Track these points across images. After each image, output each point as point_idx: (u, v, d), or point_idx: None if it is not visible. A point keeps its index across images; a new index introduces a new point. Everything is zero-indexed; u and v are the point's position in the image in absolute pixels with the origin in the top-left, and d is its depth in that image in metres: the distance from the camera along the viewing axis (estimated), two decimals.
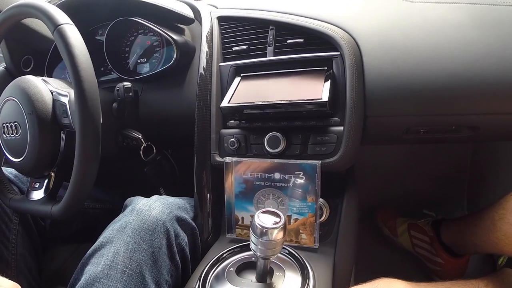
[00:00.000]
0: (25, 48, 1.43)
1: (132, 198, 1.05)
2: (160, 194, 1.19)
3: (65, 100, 1.03)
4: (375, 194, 1.87)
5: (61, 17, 0.94)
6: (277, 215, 0.76)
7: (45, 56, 1.46)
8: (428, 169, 1.97)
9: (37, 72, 1.42)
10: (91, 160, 0.94)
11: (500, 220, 1.19)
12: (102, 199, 1.54)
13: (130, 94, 1.15)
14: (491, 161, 1.84)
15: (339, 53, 1.02)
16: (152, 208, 0.97)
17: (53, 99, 1.06)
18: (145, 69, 1.32)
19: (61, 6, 1.22)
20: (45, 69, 1.46)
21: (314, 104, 0.95)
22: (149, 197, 1.05)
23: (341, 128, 0.99)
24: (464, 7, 1.04)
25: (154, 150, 1.25)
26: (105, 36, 1.30)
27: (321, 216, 1.04)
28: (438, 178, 1.98)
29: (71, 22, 0.96)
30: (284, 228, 0.74)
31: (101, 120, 0.95)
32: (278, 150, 1.02)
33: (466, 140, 1.39)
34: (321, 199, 1.03)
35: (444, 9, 1.05)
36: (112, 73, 1.34)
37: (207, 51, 1.18)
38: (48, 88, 1.08)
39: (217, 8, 1.34)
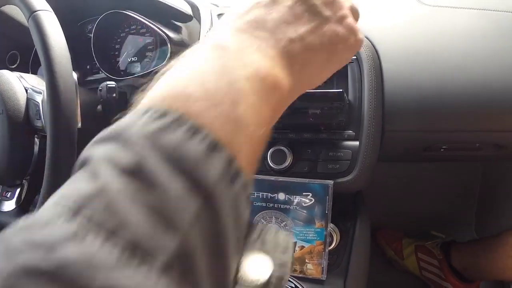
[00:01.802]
0: (11, 43, 1.32)
1: None
2: None
3: (38, 98, 0.91)
4: (378, 213, 1.76)
5: (38, 3, 0.83)
6: None
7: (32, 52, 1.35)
8: (435, 187, 1.89)
9: (23, 69, 1.31)
10: (63, 171, 0.81)
11: None
12: None
13: (114, 95, 1.04)
14: (502, 181, 1.77)
15: (355, 57, 0.92)
16: None
17: (27, 98, 0.94)
18: (137, 69, 1.20)
19: None
20: (30, 65, 1.34)
21: (327, 96, 0.84)
22: None
23: (357, 143, 0.89)
24: (488, 14, 0.98)
25: None
26: (93, 31, 1.18)
27: (330, 243, 0.92)
28: (445, 198, 1.90)
29: (49, 8, 0.84)
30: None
31: (79, 124, 0.83)
32: (283, 166, 0.90)
33: (489, 158, 1.31)
34: (331, 224, 0.91)
35: (468, 15, 0.98)
36: (101, 72, 1.21)
37: None
38: (23, 85, 0.96)
39: (217, 6, 1.22)
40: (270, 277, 0.33)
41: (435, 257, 1.55)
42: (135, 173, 0.26)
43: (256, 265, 0.34)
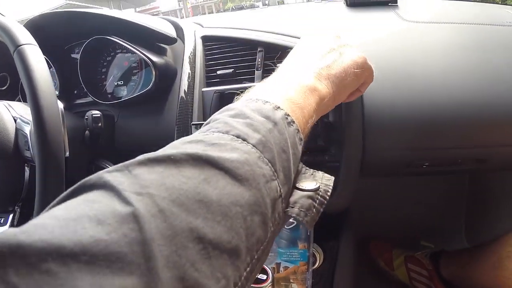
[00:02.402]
0: (0, 65, 1.32)
1: None
2: None
3: (27, 129, 0.92)
4: (368, 224, 1.77)
5: (23, 37, 0.84)
6: (263, 270, 0.66)
7: None
8: (424, 197, 1.90)
9: (13, 92, 1.33)
10: (53, 201, 0.82)
11: (507, 258, 1.16)
12: None
13: (100, 124, 1.05)
14: (489, 188, 1.77)
15: None
16: None
17: (16, 128, 0.95)
18: (123, 92, 1.21)
19: (33, 22, 1.15)
20: (19, 89, 1.35)
21: None
22: None
23: (337, 164, 0.90)
24: (468, 27, 0.99)
25: None
26: (79, 56, 1.19)
27: (313, 263, 0.93)
28: (434, 207, 1.90)
29: (34, 42, 0.85)
30: (272, 285, 0.64)
31: (67, 153, 0.85)
32: None
33: (471, 171, 1.31)
34: (314, 244, 0.93)
35: (447, 30, 0.99)
36: (88, 95, 1.22)
37: (189, 73, 1.08)
38: (12, 114, 0.97)
39: (202, 26, 1.23)
40: (319, 187, 0.53)
41: (425, 268, 1.56)
42: (238, 114, 0.50)
43: (309, 183, 0.53)
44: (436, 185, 1.86)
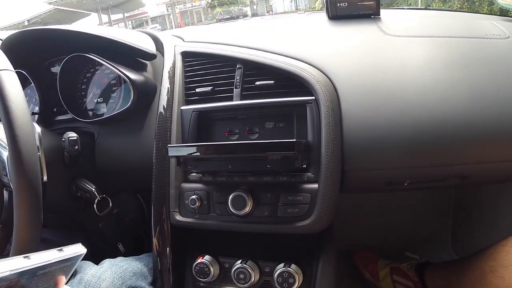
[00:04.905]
0: None
1: (81, 263, 0.94)
2: (119, 251, 1.07)
3: (4, 155, 0.90)
4: (354, 235, 1.77)
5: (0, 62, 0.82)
6: None
7: None
8: (410, 208, 1.90)
9: None
10: (30, 229, 0.82)
11: (490, 273, 1.14)
12: (61, 243, 1.40)
13: (76, 147, 1.04)
14: (475, 199, 1.77)
15: (314, 97, 0.91)
16: (102, 280, 0.87)
17: None
18: (103, 110, 1.20)
19: (12, 39, 1.13)
20: None
21: (280, 146, 0.84)
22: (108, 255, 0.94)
23: (316, 185, 0.88)
24: (451, 41, 0.98)
25: (110, 204, 1.13)
26: (58, 73, 1.17)
27: (292, 284, 0.92)
28: (420, 218, 1.90)
29: (10, 67, 0.82)
30: None
31: (45, 178, 0.84)
32: (244, 212, 0.89)
33: (453, 187, 1.30)
34: (293, 265, 0.92)
35: (430, 44, 0.98)
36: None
37: (168, 88, 1.07)
38: None
39: (183, 40, 1.23)
40: None
41: (410, 279, 1.56)
42: None
43: None
44: (422, 196, 1.86)
